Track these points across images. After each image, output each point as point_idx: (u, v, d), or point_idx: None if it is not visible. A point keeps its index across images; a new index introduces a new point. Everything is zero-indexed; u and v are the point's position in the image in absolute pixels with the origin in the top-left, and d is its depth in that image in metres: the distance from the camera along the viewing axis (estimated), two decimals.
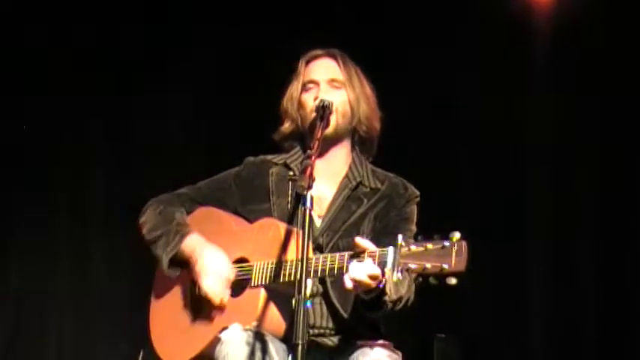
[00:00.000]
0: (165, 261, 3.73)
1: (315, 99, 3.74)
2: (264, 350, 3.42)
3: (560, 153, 5.52)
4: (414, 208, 3.80)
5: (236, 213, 3.82)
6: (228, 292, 3.63)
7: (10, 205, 5.52)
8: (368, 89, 3.86)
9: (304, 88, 3.82)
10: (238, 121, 5.51)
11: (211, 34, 5.67)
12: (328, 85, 3.79)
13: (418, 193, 3.83)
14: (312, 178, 3.27)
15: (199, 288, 3.67)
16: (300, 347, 3.12)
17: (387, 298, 3.42)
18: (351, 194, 3.77)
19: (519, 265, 5.50)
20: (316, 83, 3.81)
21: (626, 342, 5.35)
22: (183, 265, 3.75)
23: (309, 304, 3.41)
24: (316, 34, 4.50)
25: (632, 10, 5.29)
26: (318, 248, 3.65)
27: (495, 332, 5.48)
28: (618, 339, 5.36)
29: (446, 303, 5.05)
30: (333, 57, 3.86)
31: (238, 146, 4.17)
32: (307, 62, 3.87)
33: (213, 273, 3.64)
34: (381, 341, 3.66)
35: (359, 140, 3.86)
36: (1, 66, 5.47)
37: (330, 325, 3.66)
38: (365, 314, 3.56)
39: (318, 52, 3.89)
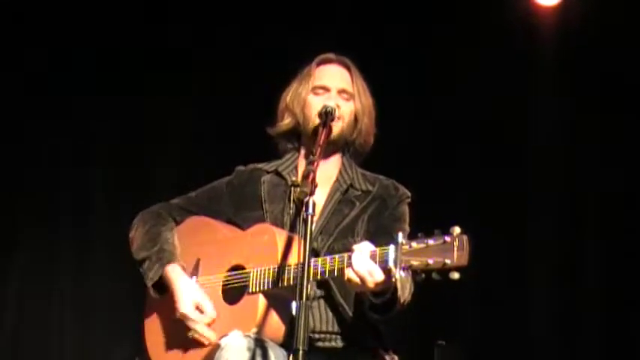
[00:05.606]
0: (149, 287, 3.73)
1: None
2: (265, 356, 3.39)
3: (563, 155, 5.50)
4: (406, 208, 3.82)
5: (229, 221, 3.81)
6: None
7: (11, 206, 5.51)
8: (371, 104, 3.87)
9: (314, 91, 3.82)
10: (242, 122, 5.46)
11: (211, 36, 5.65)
12: (338, 94, 3.80)
13: (409, 193, 3.84)
14: (314, 184, 3.28)
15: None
16: (300, 353, 3.09)
17: (398, 299, 3.40)
18: (342, 198, 3.78)
19: (521, 270, 5.46)
20: (327, 89, 3.81)
21: (630, 347, 5.31)
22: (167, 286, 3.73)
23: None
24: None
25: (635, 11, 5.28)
26: (314, 252, 3.59)
27: (497, 338, 5.42)
28: (622, 343, 5.32)
29: (447, 309, 5.00)
30: (347, 67, 3.86)
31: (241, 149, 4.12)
32: (318, 64, 3.87)
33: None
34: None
35: (352, 151, 3.87)
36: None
37: (332, 328, 3.63)
38: (371, 317, 3.54)
39: (331, 56, 3.89)
